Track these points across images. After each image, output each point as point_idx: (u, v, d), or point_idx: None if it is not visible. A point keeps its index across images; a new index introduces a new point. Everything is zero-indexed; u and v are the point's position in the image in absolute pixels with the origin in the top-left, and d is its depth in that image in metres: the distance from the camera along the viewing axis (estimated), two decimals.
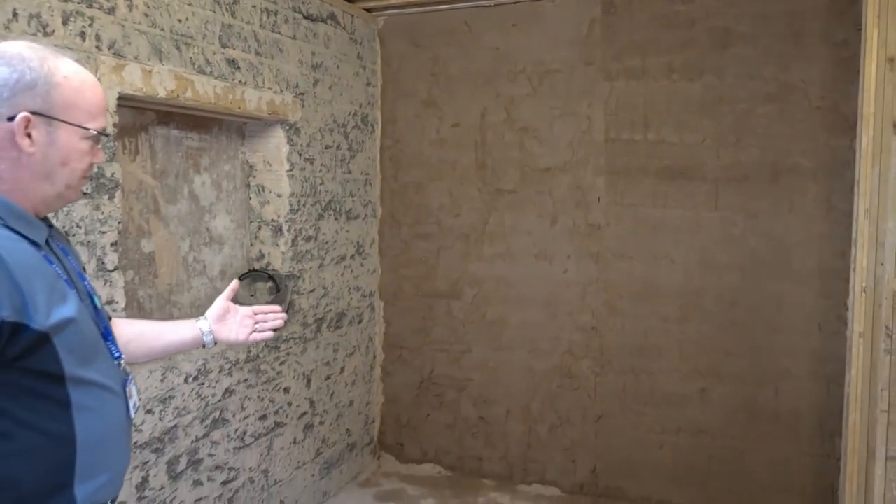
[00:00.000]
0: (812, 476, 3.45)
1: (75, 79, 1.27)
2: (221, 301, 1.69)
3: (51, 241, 1.31)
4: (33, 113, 1.22)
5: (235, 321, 1.69)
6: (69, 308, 1.21)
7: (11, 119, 1.20)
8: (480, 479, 3.99)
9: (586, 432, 3.82)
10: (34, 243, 1.23)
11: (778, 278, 3.46)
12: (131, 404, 1.40)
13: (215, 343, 1.68)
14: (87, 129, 1.28)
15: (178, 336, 1.64)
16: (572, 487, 3.85)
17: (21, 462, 1.17)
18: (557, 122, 3.78)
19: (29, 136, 1.22)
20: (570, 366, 3.84)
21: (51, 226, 1.34)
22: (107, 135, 1.35)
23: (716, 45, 3.47)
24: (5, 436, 1.16)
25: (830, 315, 3.37)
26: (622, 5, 3.63)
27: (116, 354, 1.37)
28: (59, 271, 1.26)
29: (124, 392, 1.37)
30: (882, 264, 2.65)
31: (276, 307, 1.78)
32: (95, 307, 1.35)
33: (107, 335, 1.35)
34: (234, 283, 1.75)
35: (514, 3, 3.81)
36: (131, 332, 1.60)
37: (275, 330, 1.76)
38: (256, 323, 1.72)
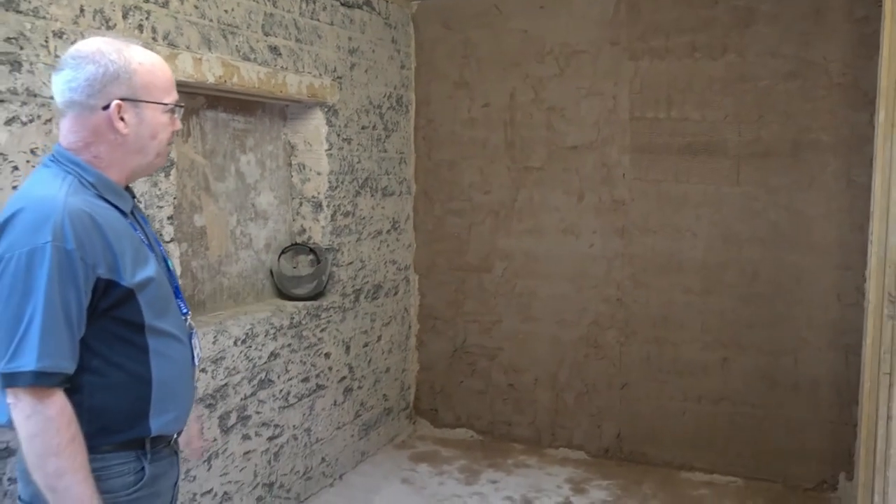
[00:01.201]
0: (830, 443, 3.57)
1: (147, 62, 1.48)
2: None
3: (135, 210, 1.53)
4: (122, 99, 1.43)
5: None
6: (150, 269, 1.44)
7: (106, 108, 1.42)
8: (510, 443, 4.19)
9: (612, 399, 3.99)
10: (122, 212, 1.46)
11: (798, 251, 3.56)
12: (195, 354, 1.62)
13: None
14: (166, 104, 1.49)
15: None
16: (598, 452, 4.03)
17: (110, 395, 1.41)
18: (584, 102, 3.91)
19: (122, 119, 1.43)
20: (596, 336, 4.00)
21: (134, 196, 1.56)
22: (182, 105, 1.56)
23: (738, 23, 3.56)
24: (99, 373, 1.40)
25: (849, 287, 3.46)
26: None
27: (184, 310, 1.60)
28: (142, 237, 1.49)
29: (190, 343, 1.60)
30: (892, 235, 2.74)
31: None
32: (169, 269, 1.58)
33: (177, 293, 1.58)
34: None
35: None
36: None
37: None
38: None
